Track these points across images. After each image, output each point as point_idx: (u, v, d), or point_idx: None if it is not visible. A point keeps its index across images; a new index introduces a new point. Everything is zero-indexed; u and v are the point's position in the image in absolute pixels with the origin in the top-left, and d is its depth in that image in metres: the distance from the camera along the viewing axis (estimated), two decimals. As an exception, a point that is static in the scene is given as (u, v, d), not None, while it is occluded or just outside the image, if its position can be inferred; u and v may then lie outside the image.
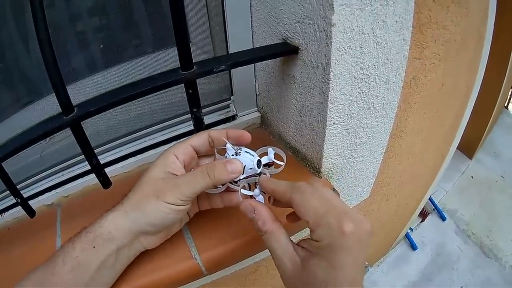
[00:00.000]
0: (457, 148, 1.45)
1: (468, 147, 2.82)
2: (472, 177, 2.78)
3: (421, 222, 2.48)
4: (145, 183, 0.45)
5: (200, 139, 0.48)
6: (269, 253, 0.64)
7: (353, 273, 0.36)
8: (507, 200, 2.55)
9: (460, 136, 1.36)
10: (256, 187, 0.47)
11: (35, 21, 0.40)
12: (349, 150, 0.62)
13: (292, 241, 0.41)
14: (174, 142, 0.69)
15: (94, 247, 0.41)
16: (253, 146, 0.49)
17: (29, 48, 0.63)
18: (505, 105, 3.36)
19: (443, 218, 2.47)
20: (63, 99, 0.45)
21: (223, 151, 0.49)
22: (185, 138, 0.49)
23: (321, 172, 0.61)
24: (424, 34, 0.64)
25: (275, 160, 0.49)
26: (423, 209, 2.40)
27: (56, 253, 0.42)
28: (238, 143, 0.49)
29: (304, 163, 0.65)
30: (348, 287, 0.36)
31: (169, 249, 0.52)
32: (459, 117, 1.22)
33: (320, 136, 0.57)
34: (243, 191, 0.46)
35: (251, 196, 0.47)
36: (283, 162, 0.50)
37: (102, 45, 0.69)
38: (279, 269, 0.41)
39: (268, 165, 0.50)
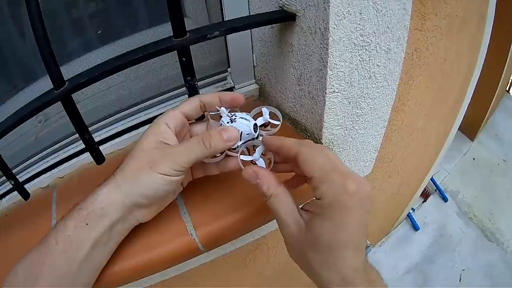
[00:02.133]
0: (459, 129, 1.45)
1: (469, 129, 2.82)
2: (473, 159, 2.78)
3: (423, 202, 2.48)
4: (137, 154, 0.43)
5: (191, 105, 0.47)
6: (269, 230, 0.63)
7: (356, 236, 0.36)
8: (509, 183, 2.55)
9: (463, 115, 1.36)
10: (255, 151, 0.46)
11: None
12: (350, 121, 0.61)
13: (296, 205, 0.41)
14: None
15: (87, 224, 0.40)
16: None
17: (24, 31, 0.61)
18: (507, 88, 3.34)
19: (445, 199, 2.47)
20: (54, 72, 0.44)
21: (217, 117, 0.48)
22: (175, 106, 0.47)
23: (322, 144, 0.60)
24: (425, 5, 0.62)
25: (270, 120, 0.49)
26: (425, 189, 2.41)
27: (49, 232, 0.41)
28: (231, 106, 0.48)
29: (304, 134, 0.64)
30: (352, 251, 0.36)
31: (163, 224, 0.51)
32: (461, 95, 1.21)
33: (320, 105, 0.55)
34: (242, 157, 0.45)
35: (252, 161, 0.46)
36: (279, 121, 0.49)
37: (98, 26, 0.67)
38: (283, 233, 0.41)
39: (264, 125, 0.49)
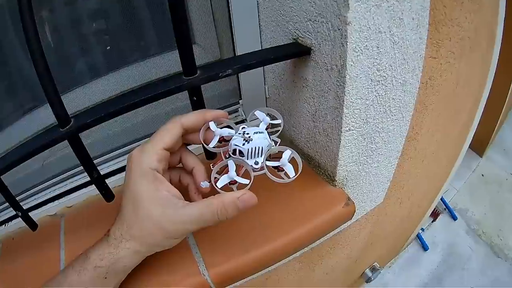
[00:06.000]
0: (468, 146, 1.44)
1: (478, 145, 2.79)
2: (482, 175, 2.74)
3: (432, 221, 2.44)
4: (149, 220, 0.41)
5: (173, 136, 0.43)
6: (279, 264, 0.61)
7: None
8: (517, 198, 2.51)
9: (473, 135, 1.34)
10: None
11: (25, 31, 0.38)
12: (364, 156, 0.59)
13: None
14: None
15: (105, 278, 0.42)
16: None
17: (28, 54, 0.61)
18: (515, 100, 3.32)
19: (454, 218, 2.43)
20: (58, 110, 0.43)
21: (210, 135, 0.44)
22: (153, 138, 0.43)
23: (336, 181, 0.58)
24: (439, 32, 0.61)
25: (271, 121, 0.46)
26: (435, 208, 2.37)
27: (58, 281, 0.42)
28: (219, 122, 0.46)
29: (318, 170, 0.62)
30: None
31: (176, 264, 0.50)
32: (472, 115, 1.20)
33: (335, 143, 0.54)
34: (268, 163, 0.42)
35: (278, 167, 0.43)
36: (279, 119, 0.47)
37: (108, 47, 0.67)
38: None
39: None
